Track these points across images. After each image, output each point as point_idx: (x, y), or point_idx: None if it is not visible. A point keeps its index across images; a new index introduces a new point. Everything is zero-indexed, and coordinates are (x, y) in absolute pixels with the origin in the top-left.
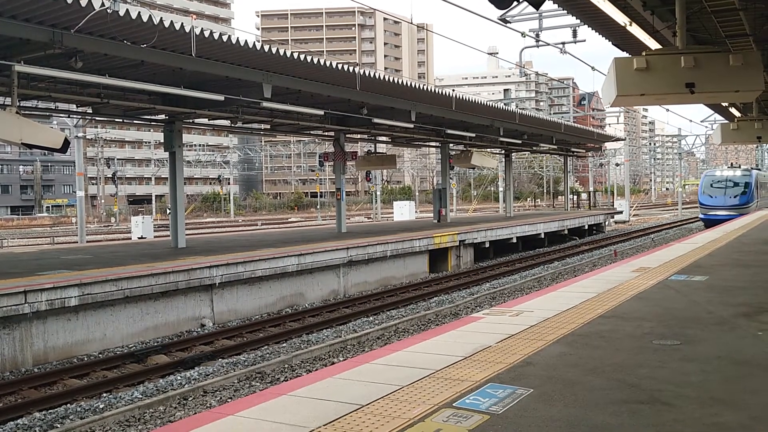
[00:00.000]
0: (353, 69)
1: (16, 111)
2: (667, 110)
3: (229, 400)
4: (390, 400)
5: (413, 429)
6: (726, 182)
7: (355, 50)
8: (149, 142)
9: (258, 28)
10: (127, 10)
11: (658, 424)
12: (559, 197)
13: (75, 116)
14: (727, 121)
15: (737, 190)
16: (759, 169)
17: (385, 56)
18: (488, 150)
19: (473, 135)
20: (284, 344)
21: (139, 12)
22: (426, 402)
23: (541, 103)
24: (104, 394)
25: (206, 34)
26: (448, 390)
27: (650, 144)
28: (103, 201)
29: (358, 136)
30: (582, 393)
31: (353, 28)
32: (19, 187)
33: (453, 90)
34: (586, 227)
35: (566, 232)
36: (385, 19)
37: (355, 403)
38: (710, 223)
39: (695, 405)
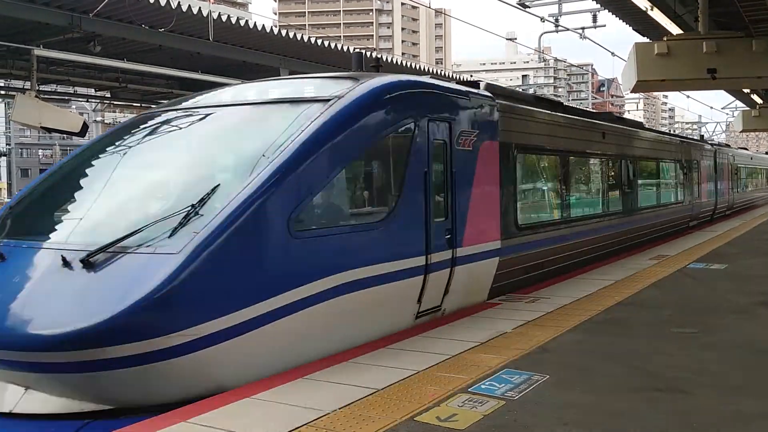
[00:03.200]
0: (371, 54)
1: (35, 95)
2: (688, 96)
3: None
4: (406, 385)
5: (429, 413)
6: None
7: (372, 35)
8: None
9: (275, 13)
10: None
11: (676, 411)
12: None
13: (93, 101)
14: (748, 108)
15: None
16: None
17: (402, 41)
18: None
19: None
20: None
21: None
22: (442, 387)
23: (560, 90)
24: None
25: (224, 18)
26: (464, 375)
27: (670, 131)
28: None
29: None
30: (599, 380)
31: (371, 13)
32: (38, 171)
33: (471, 75)
34: None
35: None
36: (402, 4)
37: (372, 387)
38: None
39: (713, 393)
